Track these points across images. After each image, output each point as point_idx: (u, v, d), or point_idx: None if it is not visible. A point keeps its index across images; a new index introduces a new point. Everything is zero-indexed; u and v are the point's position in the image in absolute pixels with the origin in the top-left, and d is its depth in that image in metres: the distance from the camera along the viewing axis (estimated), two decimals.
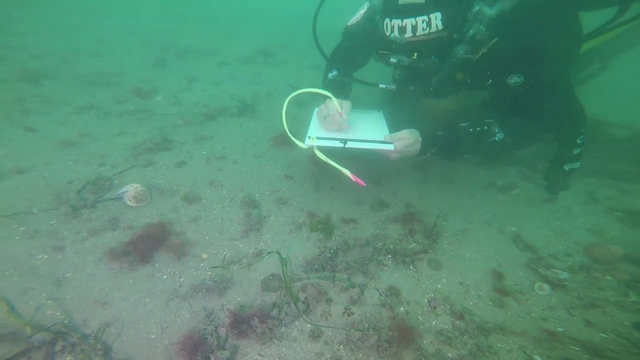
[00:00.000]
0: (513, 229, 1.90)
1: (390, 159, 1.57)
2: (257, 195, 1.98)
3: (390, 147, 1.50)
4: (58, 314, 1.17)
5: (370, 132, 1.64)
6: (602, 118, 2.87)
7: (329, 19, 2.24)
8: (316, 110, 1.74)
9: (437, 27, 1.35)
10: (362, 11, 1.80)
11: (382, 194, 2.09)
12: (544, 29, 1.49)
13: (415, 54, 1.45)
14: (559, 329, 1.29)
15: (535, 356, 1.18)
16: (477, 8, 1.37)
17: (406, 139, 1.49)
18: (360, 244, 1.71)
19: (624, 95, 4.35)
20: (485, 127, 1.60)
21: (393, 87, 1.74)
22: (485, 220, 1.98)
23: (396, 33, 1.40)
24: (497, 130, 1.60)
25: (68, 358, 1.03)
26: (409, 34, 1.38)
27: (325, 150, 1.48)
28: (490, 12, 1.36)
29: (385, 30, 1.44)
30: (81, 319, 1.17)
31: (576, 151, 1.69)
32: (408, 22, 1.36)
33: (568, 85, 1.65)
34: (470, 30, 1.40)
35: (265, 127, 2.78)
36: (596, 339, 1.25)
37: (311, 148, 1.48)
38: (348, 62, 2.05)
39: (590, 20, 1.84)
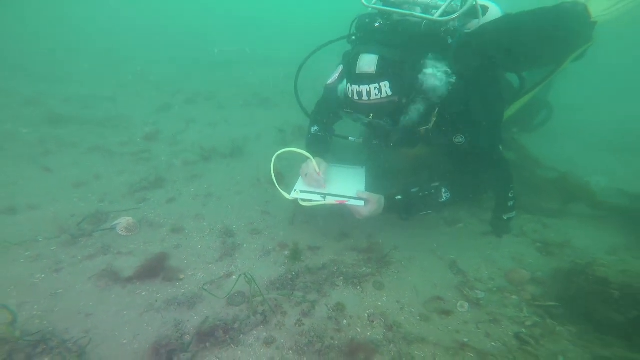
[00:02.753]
0: (451, 256, 2.11)
1: (359, 217, 1.76)
2: (234, 226, 2.20)
3: (361, 203, 1.70)
4: (45, 323, 1.34)
5: (348, 189, 1.84)
6: (539, 159, 3.21)
7: (317, 66, 2.48)
8: (303, 166, 2.00)
9: (386, 93, 1.54)
10: (337, 73, 2.02)
11: (346, 227, 2.29)
12: (475, 97, 1.71)
13: (372, 115, 1.63)
14: (465, 340, 1.47)
15: None
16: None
17: (373, 204, 1.73)
18: (318, 268, 1.91)
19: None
20: (433, 191, 1.81)
21: (360, 140, 1.99)
22: (430, 250, 2.18)
23: (355, 96, 1.60)
24: (444, 191, 1.81)
25: (46, 359, 1.19)
26: (364, 97, 1.56)
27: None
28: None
29: (348, 92, 1.64)
30: (64, 327, 1.33)
31: (510, 203, 1.97)
32: (363, 88, 1.55)
33: (499, 149, 1.86)
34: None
35: (250, 167, 3.05)
36: (488, 347, 1.44)
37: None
38: (328, 115, 2.26)
39: None
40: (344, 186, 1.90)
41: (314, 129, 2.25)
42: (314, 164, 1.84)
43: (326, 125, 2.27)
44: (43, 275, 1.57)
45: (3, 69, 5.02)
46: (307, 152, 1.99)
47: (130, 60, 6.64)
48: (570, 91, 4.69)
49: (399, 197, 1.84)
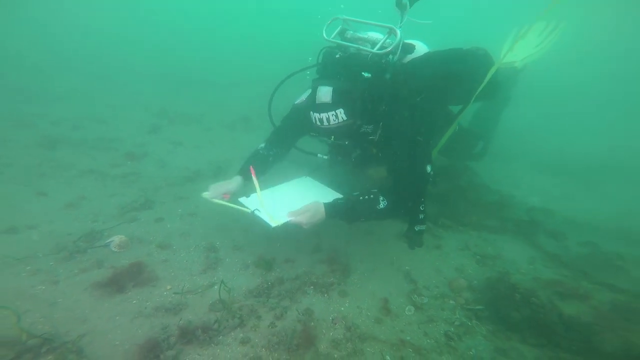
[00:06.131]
0: (407, 267, 2.38)
1: (305, 227, 1.78)
2: (218, 243, 2.37)
3: (271, 224, 1.77)
4: (47, 327, 1.47)
5: (286, 207, 1.87)
6: (488, 182, 3.64)
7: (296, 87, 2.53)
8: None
9: (342, 118, 1.75)
10: (305, 96, 2.16)
11: (318, 242, 2.49)
12: (406, 117, 1.95)
13: (333, 137, 1.87)
14: (407, 338, 1.72)
15: (386, 356, 1.61)
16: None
17: (306, 212, 1.77)
18: (292, 278, 2.12)
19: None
20: (372, 196, 1.88)
21: (326, 157, 2.20)
22: (389, 262, 2.43)
23: (317, 122, 1.81)
24: (381, 199, 1.87)
25: (49, 356, 1.34)
26: (325, 123, 1.78)
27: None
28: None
29: (312, 119, 1.84)
30: (64, 331, 1.47)
31: (421, 216, 2.07)
32: (323, 115, 1.76)
33: (423, 166, 1.98)
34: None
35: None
36: (424, 343, 1.71)
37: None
38: (292, 131, 2.39)
39: None
40: (284, 205, 1.94)
41: (261, 146, 2.35)
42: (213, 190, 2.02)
43: (278, 146, 2.38)
44: (43, 287, 1.70)
45: None
46: (245, 165, 2.17)
47: (119, 79, 6.60)
48: (521, 117, 5.29)
49: (340, 200, 1.91)
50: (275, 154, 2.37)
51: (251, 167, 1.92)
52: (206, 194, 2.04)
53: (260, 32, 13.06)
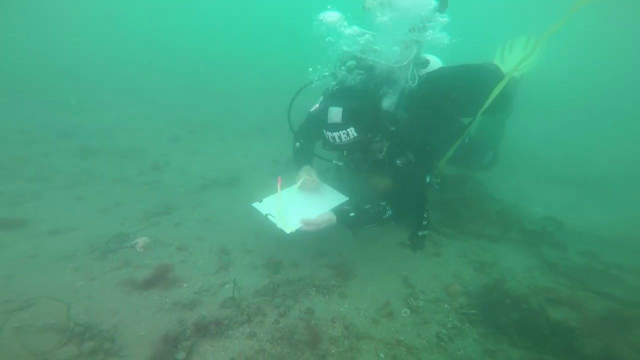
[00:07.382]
0: (405, 273, 2.48)
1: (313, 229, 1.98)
2: (230, 246, 2.57)
3: (286, 231, 1.93)
4: (87, 317, 1.71)
5: (299, 214, 2.04)
6: (492, 191, 3.68)
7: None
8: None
9: (353, 135, 1.85)
10: (318, 104, 2.31)
11: (323, 247, 2.64)
12: (415, 129, 2.07)
13: (345, 152, 1.99)
14: (401, 338, 1.84)
15: (381, 354, 1.73)
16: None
17: (320, 224, 1.97)
18: (296, 280, 2.29)
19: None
20: (380, 208, 2.07)
21: (341, 163, 2.38)
22: (389, 267, 2.55)
23: (330, 140, 1.92)
24: (387, 209, 2.08)
25: (91, 343, 1.56)
26: (337, 141, 1.89)
27: None
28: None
29: (325, 136, 1.96)
30: (99, 321, 1.70)
31: (424, 222, 2.26)
32: (335, 134, 1.87)
33: (424, 176, 2.18)
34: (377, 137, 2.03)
35: (246, 196, 3.42)
36: (416, 343, 1.82)
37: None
38: (310, 136, 2.59)
39: None
40: (295, 210, 2.14)
41: (298, 143, 2.57)
42: (306, 175, 2.23)
43: (308, 141, 2.59)
44: (82, 282, 1.95)
45: (43, 101, 5.52)
46: (296, 163, 2.38)
47: (142, 90, 7.02)
48: (526, 128, 5.28)
49: (352, 214, 2.05)
50: (311, 148, 2.61)
51: (279, 177, 2.14)
52: (303, 180, 2.27)
53: (272, 47, 13.54)
